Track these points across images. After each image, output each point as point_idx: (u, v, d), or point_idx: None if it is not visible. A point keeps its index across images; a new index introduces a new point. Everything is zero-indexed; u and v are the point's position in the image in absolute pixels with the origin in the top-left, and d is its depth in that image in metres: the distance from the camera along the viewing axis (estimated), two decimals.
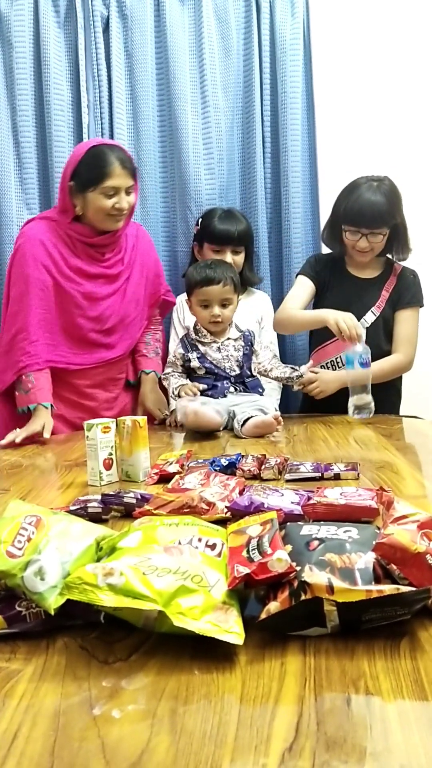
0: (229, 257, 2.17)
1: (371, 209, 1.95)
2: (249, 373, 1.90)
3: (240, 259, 2.23)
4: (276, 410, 1.97)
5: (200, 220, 2.26)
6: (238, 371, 1.87)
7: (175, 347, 1.98)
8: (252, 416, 1.69)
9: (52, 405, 1.86)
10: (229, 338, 1.90)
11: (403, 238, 2.07)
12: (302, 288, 2.14)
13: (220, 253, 2.19)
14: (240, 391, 1.86)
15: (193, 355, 1.88)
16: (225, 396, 1.83)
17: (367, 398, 1.86)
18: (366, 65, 2.49)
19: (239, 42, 2.46)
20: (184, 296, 2.21)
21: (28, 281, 1.87)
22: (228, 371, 1.86)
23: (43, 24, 2.30)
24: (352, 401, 1.87)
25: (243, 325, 2.19)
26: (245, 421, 1.68)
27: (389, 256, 2.12)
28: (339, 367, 2.04)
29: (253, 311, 2.27)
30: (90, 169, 1.82)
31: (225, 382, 1.86)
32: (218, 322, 1.86)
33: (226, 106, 2.44)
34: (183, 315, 2.25)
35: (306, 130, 2.47)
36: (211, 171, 2.41)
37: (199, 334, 1.90)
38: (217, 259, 2.02)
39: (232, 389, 1.85)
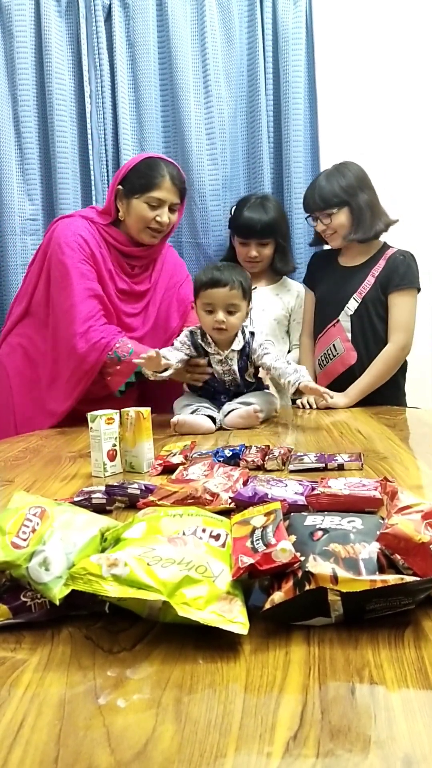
0: (253, 251, 2.15)
1: (313, 193, 2.04)
2: (248, 381, 1.79)
3: (267, 251, 2.20)
4: (277, 400, 1.96)
5: (233, 207, 2.24)
6: (236, 385, 1.78)
7: (183, 339, 1.81)
8: (235, 408, 1.68)
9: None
10: (233, 350, 1.73)
11: (361, 216, 2.03)
12: (306, 310, 2.24)
13: (246, 245, 2.17)
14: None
15: (205, 359, 1.77)
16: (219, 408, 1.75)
17: None
18: (368, 54, 2.48)
19: (242, 30, 2.44)
20: None
21: (68, 270, 1.81)
22: (228, 385, 1.78)
23: (45, 13, 2.29)
24: None
25: (272, 313, 2.18)
26: (228, 412, 1.68)
27: (385, 242, 2.12)
28: (333, 357, 2.10)
29: (284, 301, 2.26)
30: (140, 176, 1.82)
31: (223, 396, 1.78)
32: (222, 329, 1.69)
33: (229, 96, 2.43)
34: None
35: (308, 120, 2.46)
36: (214, 161, 2.40)
37: (205, 341, 1.76)
38: (230, 263, 1.92)
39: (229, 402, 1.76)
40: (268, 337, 2.20)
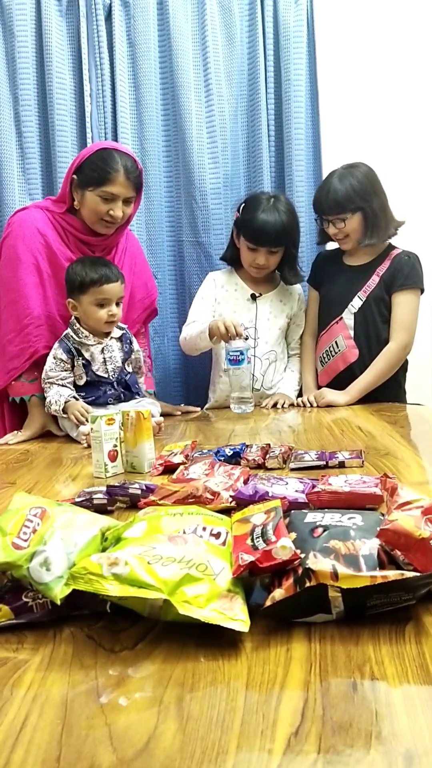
0: (262, 258, 2.06)
1: (326, 197, 2.01)
2: (128, 371, 1.81)
3: (276, 258, 2.09)
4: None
5: (242, 205, 2.11)
6: (118, 374, 1.77)
7: (57, 353, 1.75)
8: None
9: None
10: (112, 338, 1.78)
11: (375, 221, 2.02)
12: (310, 309, 2.25)
13: (255, 251, 2.06)
14: (121, 394, 1.78)
15: (79, 362, 1.73)
16: (106, 406, 1.72)
17: (246, 394, 1.99)
18: (369, 53, 2.47)
19: (243, 29, 2.44)
20: (213, 274, 2.25)
21: (19, 266, 1.85)
22: (111, 375, 1.76)
23: (45, 12, 2.29)
24: (233, 396, 2.00)
25: (279, 322, 2.16)
26: None
27: (390, 242, 2.11)
28: (334, 354, 2.09)
29: (288, 307, 2.22)
30: (94, 169, 1.80)
31: (108, 388, 1.75)
32: (113, 322, 1.75)
33: (230, 95, 2.43)
34: (215, 291, 2.20)
35: (310, 119, 2.45)
36: (215, 160, 2.40)
37: (80, 335, 1.74)
38: (98, 257, 1.86)
39: (114, 396, 1.75)
40: (272, 348, 2.18)
